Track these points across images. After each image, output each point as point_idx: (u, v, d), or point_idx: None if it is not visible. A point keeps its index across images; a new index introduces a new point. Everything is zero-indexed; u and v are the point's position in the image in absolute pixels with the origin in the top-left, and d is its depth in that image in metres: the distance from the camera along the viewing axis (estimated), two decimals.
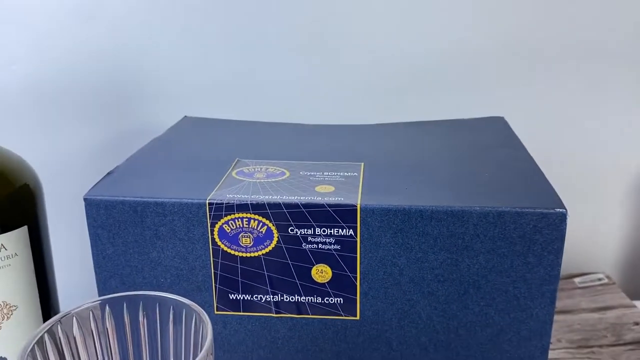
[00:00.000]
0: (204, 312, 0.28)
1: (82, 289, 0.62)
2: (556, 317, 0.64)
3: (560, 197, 0.35)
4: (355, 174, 0.40)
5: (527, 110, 0.63)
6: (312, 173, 0.40)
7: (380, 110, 0.62)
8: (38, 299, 0.48)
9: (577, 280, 0.73)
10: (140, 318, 0.30)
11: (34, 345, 0.26)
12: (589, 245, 0.74)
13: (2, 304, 0.46)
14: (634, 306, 0.66)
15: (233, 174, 0.40)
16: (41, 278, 0.48)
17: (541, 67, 0.62)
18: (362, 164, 0.42)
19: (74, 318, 0.29)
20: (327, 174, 0.40)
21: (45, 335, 0.27)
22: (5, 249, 0.45)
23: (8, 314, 0.46)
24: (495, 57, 0.61)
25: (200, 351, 0.26)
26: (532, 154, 0.43)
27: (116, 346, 0.30)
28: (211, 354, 0.26)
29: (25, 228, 0.46)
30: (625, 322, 0.63)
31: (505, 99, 0.62)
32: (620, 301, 0.68)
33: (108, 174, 0.40)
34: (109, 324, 0.30)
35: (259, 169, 0.41)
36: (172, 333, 0.30)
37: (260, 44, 0.59)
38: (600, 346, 0.60)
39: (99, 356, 0.30)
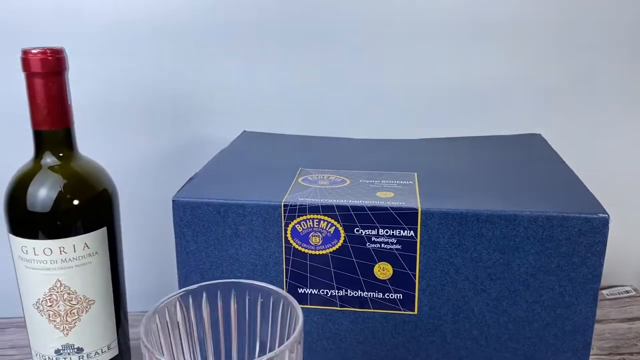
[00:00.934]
0: (293, 298, 0.32)
1: (144, 286, 0.66)
2: None
3: None
4: (411, 182, 0.44)
5: (562, 126, 0.67)
6: (371, 181, 0.44)
7: (424, 127, 0.66)
8: (112, 295, 0.52)
9: (605, 292, 0.76)
10: (232, 304, 0.34)
11: (154, 314, 0.30)
12: (617, 259, 0.77)
13: (82, 297, 0.50)
14: None
15: (299, 180, 0.44)
16: (115, 275, 0.52)
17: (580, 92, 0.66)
18: (415, 173, 0.46)
19: (177, 301, 0.33)
20: (384, 181, 0.44)
21: (165, 309, 0.31)
22: (88, 248, 0.49)
23: (87, 307, 0.50)
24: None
25: (293, 333, 0.29)
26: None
27: (210, 330, 0.34)
28: (299, 343, 0.30)
29: (104, 229, 0.50)
30: None
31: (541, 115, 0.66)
32: None
33: (190, 179, 0.45)
34: (205, 308, 0.34)
35: (322, 177, 0.45)
36: (259, 318, 0.34)
37: (310, 64, 0.64)
38: (631, 354, 0.63)
39: (195, 336, 0.34)
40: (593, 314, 0.39)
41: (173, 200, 0.41)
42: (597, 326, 0.68)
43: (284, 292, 0.33)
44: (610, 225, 0.73)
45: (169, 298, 0.32)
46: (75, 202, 0.48)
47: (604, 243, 0.38)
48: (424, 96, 0.66)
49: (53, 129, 0.48)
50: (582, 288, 0.39)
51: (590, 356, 0.62)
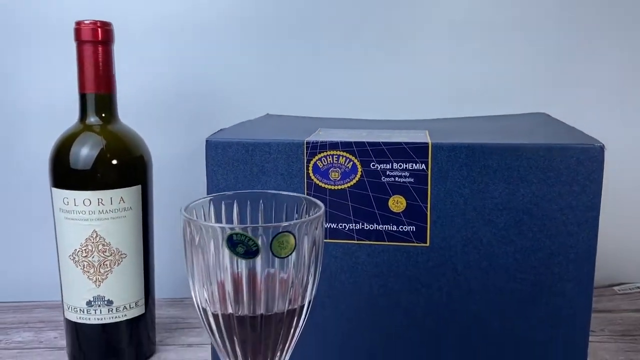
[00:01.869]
0: (316, 199, 0.35)
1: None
2: (598, 315, 0.68)
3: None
4: (422, 134, 0.48)
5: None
6: (386, 133, 0.48)
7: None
8: (142, 252, 0.55)
9: (616, 288, 0.77)
10: (260, 209, 0.37)
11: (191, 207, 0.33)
12: (628, 257, 0.79)
13: (115, 250, 0.53)
14: None
15: (319, 132, 0.48)
16: (146, 234, 0.56)
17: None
18: (427, 130, 0.50)
19: (209, 203, 0.36)
20: (397, 132, 0.48)
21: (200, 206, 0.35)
22: (123, 202, 0.53)
23: (119, 260, 0.54)
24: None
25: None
26: None
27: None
28: (321, 224, 0.33)
29: (139, 187, 0.54)
30: None
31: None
32: None
33: (220, 130, 0.49)
34: (235, 212, 0.37)
35: (341, 131, 0.49)
36: (285, 217, 0.37)
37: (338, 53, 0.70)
38: None
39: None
40: (594, 243, 0.42)
41: (207, 141, 0.46)
42: (609, 315, 0.69)
43: (308, 197, 0.36)
44: (621, 224, 0.75)
45: (202, 199, 0.36)
46: (114, 161, 0.53)
47: (600, 171, 0.41)
48: (442, 83, 0.71)
49: (98, 92, 0.53)
50: (583, 216, 0.42)
51: (602, 336, 0.63)
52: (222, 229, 0.31)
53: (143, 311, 0.57)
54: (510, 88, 0.71)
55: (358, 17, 0.70)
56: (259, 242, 0.31)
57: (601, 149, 0.41)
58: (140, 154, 0.55)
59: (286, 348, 0.35)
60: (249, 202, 0.37)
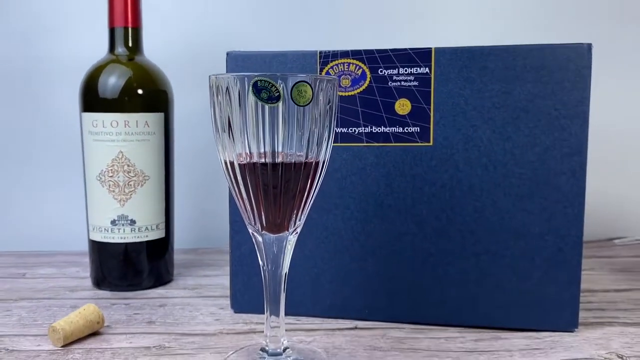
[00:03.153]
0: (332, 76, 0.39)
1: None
2: (598, 260, 0.71)
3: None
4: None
5: None
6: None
7: None
8: (164, 176, 0.59)
9: (616, 241, 0.80)
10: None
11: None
12: (630, 211, 0.82)
13: (139, 171, 0.57)
14: None
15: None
16: (167, 160, 0.60)
17: None
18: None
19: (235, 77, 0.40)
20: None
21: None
22: (148, 126, 0.57)
23: (142, 181, 0.58)
24: None
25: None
26: None
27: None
28: (335, 87, 0.37)
29: (162, 114, 0.58)
30: None
31: None
32: None
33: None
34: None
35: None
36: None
37: None
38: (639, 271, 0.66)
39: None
40: (586, 136, 0.46)
41: (227, 53, 0.50)
42: (609, 259, 0.72)
43: (324, 75, 0.40)
44: (623, 183, 0.79)
45: (223, 74, 0.40)
46: (140, 90, 0.57)
47: (589, 67, 0.45)
48: None
49: (127, 26, 0.58)
50: (574, 110, 0.45)
51: (601, 272, 0.66)
52: (249, 76, 0.34)
53: (163, 235, 0.60)
54: None
55: None
56: (281, 88, 0.34)
57: (589, 46, 0.45)
58: (164, 89, 0.59)
59: (304, 206, 0.38)
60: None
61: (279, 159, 0.36)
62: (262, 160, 0.36)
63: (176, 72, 0.65)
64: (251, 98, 0.35)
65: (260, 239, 0.39)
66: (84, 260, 0.68)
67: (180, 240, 0.68)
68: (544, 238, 0.47)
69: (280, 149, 0.36)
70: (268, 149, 0.36)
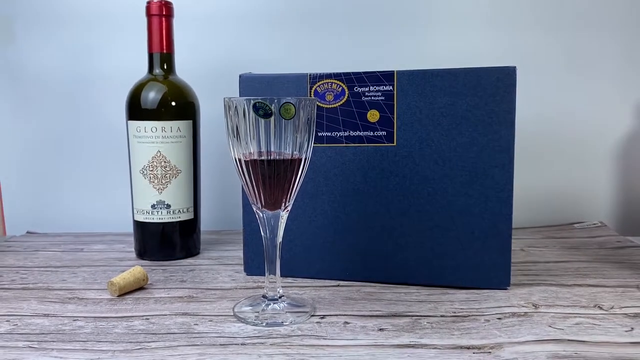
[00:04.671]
0: (314, 98, 0.54)
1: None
2: (554, 240, 0.84)
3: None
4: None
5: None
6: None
7: None
8: (192, 171, 0.75)
9: (576, 225, 0.93)
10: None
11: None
12: (586, 199, 0.95)
13: (173, 166, 0.73)
14: (622, 236, 0.85)
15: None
16: (195, 158, 0.75)
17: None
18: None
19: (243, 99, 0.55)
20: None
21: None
22: (179, 131, 0.73)
23: (176, 174, 0.73)
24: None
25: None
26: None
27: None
28: (314, 105, 0.51)
29: (191, 121, 0.74)
30: (611, 241, 0.83)
31: None
32: (610, 232, 0.87)
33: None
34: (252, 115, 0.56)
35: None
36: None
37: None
38: (587, 249, 0.79)
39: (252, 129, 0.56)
40: (512, 137, 0.59)
41: (240, 75, 0.65)
42: (564, 240, 0.85)
43: (305, 97, 0.54)
44: (581, 169, 0.91)
45: (233, 97, 0.55)
46: (173, 103, 0.73)
47: (514, 86, 0.58)
48: None
49: (162, 51, 0.73)
50: (503, 118, 0.59)
51: (552, 249, 0.79)
52: (249, 99, 0.49)
53: (192, 216, 0.75)
54: None
55: None
56: (273, 107, 0.49)
57: (514, 69, 0.58)
58: (192, 101, 0.75)
59: (291, 190, 0.53)
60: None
61: (272, 157, 0.51)
62: (261, 157, 0.51)
63: (202, 88, 0.80)
64: (252, 114, 0.49)
65: (261, 214, 0.54)
66: (128, 239, 0.85)
67: (205, 222, 0.84)
68: (482, 216, 0.61)
69: (273, 150, 0.50)
70: (264, 149, 0.50)
